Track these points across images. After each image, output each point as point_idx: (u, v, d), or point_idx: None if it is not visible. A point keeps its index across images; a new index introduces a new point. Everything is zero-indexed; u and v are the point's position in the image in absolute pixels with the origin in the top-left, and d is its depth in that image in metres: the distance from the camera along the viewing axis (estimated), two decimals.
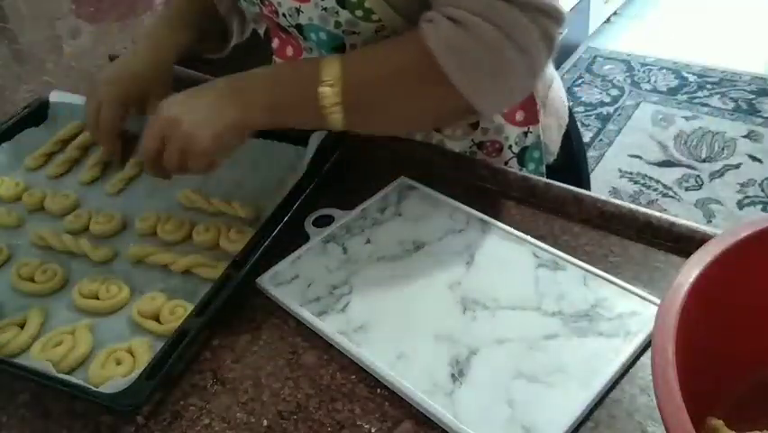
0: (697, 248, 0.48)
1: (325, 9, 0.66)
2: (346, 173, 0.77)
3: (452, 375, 0.54)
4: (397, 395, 0.55)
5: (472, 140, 0.80)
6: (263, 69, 0.69)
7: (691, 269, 0.46)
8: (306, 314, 0.61)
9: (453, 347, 0.56)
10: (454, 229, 0.68)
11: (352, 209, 0.72)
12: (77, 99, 0.92)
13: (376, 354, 0.56)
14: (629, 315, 0.58)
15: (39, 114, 0.91)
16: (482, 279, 0.62)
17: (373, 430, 0.52)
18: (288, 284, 0.64)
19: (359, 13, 0.65)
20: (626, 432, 0.51)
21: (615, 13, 3.06)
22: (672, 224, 0.65)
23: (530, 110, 0.80)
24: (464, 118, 0.77)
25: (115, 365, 0.58)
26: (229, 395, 0.56)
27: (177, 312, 0.62)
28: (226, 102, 0.65)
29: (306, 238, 0.69)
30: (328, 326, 0.59)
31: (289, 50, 0.80)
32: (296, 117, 0.67)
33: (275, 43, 0.81)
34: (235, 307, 0.64)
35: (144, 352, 0.59)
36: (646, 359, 0.55)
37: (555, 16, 0.61)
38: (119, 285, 0.66)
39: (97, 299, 0.65)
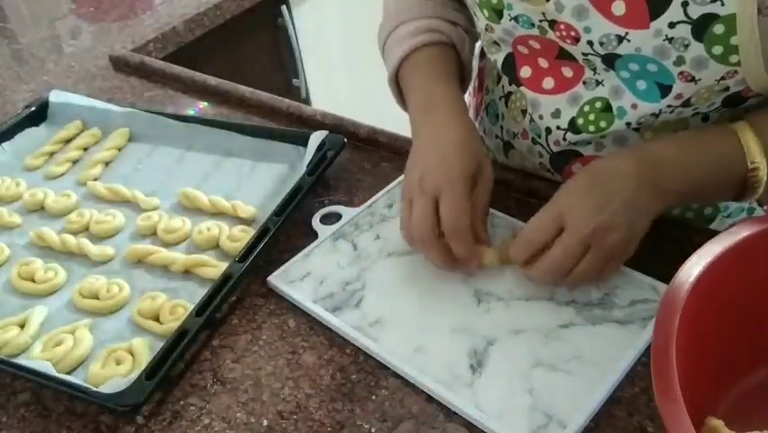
0: (697, 248, 0.48)
1: (670, 40, 0.55)
2: (349, 171, 0.77)
3: (471, 366, 0.55)
4: (397, 395, 0.55)
5: None
6: (667, 152, 0.59)
7: (692, 269, 0.46)
8: (320, 310, 0.61)
9: (470, 339, 0.57)
10: None
11: (358, 206, 0.72)
12: (77, 99, 0.92)
13: (393, 349, 0.57)
14: (642, 301, 0.58)
15: (39, 114, 0.91)
16: (494, 271, 0.63)
17: (373, 430, 0.52)
18: (299, 282, 0.64)
19: (717, 50, 0.54)
20: (626, 432, 0.51)
21: None
22: (672, 224, 0.65)
23: None
24: None
25: (115, 365, 0.58)
26: (229, 395, 0.56)
27: (177, 312, 0.62)
28: (644, 198, 0.56)
29: (315, 236, 0.69)
30: (343, 322, 0.60)
31: (548, 83, 0.67)
32: (708, 198, 0.64)
33: (525, 72, 0.69)
34: (235, 307, 0.64)
35: (144, 352, 0.59)
36: (646, 359, 0.55)
37: None
38: (119, 285, 0.66)
39: (97, 299, 0.65)
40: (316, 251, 0.67)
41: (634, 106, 0.62)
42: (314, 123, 0.86)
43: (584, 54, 0.61)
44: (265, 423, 0.54)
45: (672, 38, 0.54)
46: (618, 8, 0.55)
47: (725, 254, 0.47)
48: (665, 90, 0.59)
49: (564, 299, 0.59)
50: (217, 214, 0.74)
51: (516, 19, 0.63)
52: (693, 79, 0.57)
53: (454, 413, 0.53)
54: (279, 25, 1.53)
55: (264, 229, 0.67)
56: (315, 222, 0.71)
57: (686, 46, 0.54)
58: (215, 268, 0.66)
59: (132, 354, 0.59)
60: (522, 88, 0.70)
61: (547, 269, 0.57)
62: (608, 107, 0.64)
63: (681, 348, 0.42)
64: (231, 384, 0.57)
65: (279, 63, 1.59)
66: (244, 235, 0.69)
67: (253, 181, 0.78)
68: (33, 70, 1.13)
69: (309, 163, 0.75)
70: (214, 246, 0.70)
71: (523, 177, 0.74)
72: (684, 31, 0.54)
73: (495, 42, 0.70)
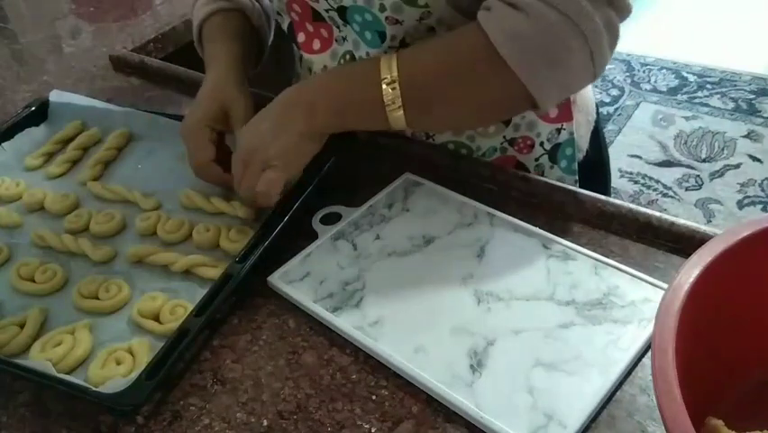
0: (697, 248, 0.48)
1: None
2: (349, 171, 0.77)
3: (471, 366, 0.55)
4: (397, 395, 0.55)
5: (504, 137, 0.79)
6: (322, 75, 0.70)
7: (691, 269, 0.46)
8: (321, 310, 0.61)
9: (470, 339, 0.57)
10: (463, 223, 0.68)
11: (358, 206, 0.72)
12: (77, 99, 0.92)
13: (393, 348, 0.57)
14: (642, 301, 0.58)
15: (39, 114, 0.91)
16: (494, 271, 0.63)
17: (373, 430, 0.52)
18: (299, 282, 0.64)
19: None
20: (626, 432, 0.51)
21: None
22: (672, 224, 0.65)
23: (564, 107, 0.79)
24: (522, 111, 0.75)
25: (115, 365, 0.58)
26: (229, 395, 0.56)
27: (177, 312, 0.62)
28: (290, 112, 0.67)
29: (315, 236, 0.69)
30: (343, 321, 0.60)
31: (316, 44, 0.78)
32: (360, 118, 0.68)
33: (300, 38, 0.79)
34: (235, 307, 0.64)
35: (144, 352, 0.59)
36: (646, 359, 0.55)
37: (621, 7, 0.62)
38: (119, 285, 0.66)
39: (97, 299, 0.65)
40: (316, 251, 0.67)
41: (368, 55, 0.73)
42: None
43: (326, 11, 0.71)
44: (265, 423, 0.54)
45: None
46: None
47: (725, 254, 0.47)
48: (383, 36, 0.69)
49: (564, 298, 0.60)
50: (217, 214, 0.74)
51: None
52: (398, 22, 0.67)
53: (454, 413, 0.53)
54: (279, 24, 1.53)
55: (264, 229, 0.67)
56: (315, 222, 0.71)
57: None
58: (215, 268, 0.66)
59: (132, 354, 0.59)
60: (301, 52, 0.79)
61: (236, 187, 0.69)
62: (353, 58, 0.75)
63: (680, 348, 0.42)
64: (231, 384, 0.57)
65: (280, 63, 1.59)
66: (244, 236, 0.69)
67: None
68: (33, 70, 1.13)
69: (310, 164, 0.75)
70: (215, 246, 0.70)
71: (523, 178, 0.74)
72: None
73: (278, 13, 0.79)
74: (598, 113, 0.88)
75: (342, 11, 0.70)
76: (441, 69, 0.65)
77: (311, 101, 0.67)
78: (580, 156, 0.84)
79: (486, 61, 0.62)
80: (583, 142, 0.85)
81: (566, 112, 0.80)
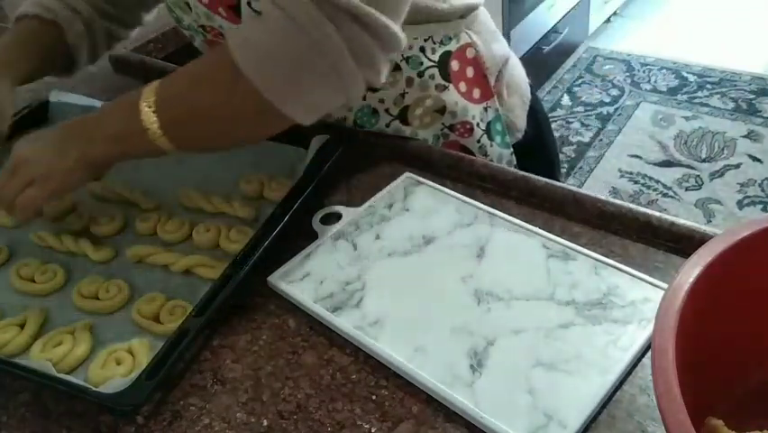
0: (697, 248, 0.48)
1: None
2: (349, 171, 0.77)
3: (471, 366, 0.55)
4: (397, 395, 0.55)
5: (443, 123, 0.81)
6: (104, 105, 0.70)
7: (691, 269, 0.46)
8: (321, 310, 0.61)
9: (470, 339, 0.57)
10: (463, 223, 0.68)
11: (358, 206, 0.72)
12: (77, 99, 0.92)
13: (393, 348, 0.57)
14: (642, 301, 0.58)
15: (39, 114, 0.91)
16: (494, 271, 0.63)
17: (373, 430, 0.52)
18: (299, 282, 0.64)
19: None
20: (625, 432, 0.51)
21: (615, 13, 3.06)
22: (672, 224, 0.65)
23: (484, 86, 0.82)
24: (283, 127, 0.66)
25: (115, 365, 0.58)
26: (229, 395, 0.56)
27: (177, 312, 0.62)
28: (70, 138, 0.66)
29: (315, 236, 0.69)
30: (343, 321, 0.60)
31: None
32: (133, 145, 0.65)
33: None
34: (235, 307, 0.64)
35: (144, 352, 0.59)
36: (646, 359, 0.55)
37: (377, 32, 0.58)
38: (119, 285, 0.66)
39: (97, 299, 0.65)
40: (316, 251, 0.67)
41: None
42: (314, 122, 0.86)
43: None
44: (265, 423, 0.54)
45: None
46: (222, 11, 0.67)
47: (725, 254, 0.47)
48: None
49: (564, 298, 0.60)
50: (217, 214, 0.74)
51: (189, 28, 0.75)
52: None
53: (454, 413, 0.53)
54: None
55: (264, 229, 0.67)
56: (315, 222, 0.71)
57: None
58: (215, 268, 0.66)
59: (132, 355, 0.59)
60: None
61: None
62: None
63: (680, 348, 0.42)
64: (231, 384, 0.57)
65: None
66: (244, 236, 0.69)
67: None
68: None
69: (309, 164, 0.75)
70: (215, 246, 0.70)
71: (522, 178, 0.74)
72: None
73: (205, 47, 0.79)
74: (534, 94, 0.90)
75: None
76: (191, 87, 0.64)
77: (89, 130, 0.66)
78: (519, 135, 0.87)
79: (226, 74, 0.60)
80: (520, 121, 0.87)
81: (486, 91, 0.82)
